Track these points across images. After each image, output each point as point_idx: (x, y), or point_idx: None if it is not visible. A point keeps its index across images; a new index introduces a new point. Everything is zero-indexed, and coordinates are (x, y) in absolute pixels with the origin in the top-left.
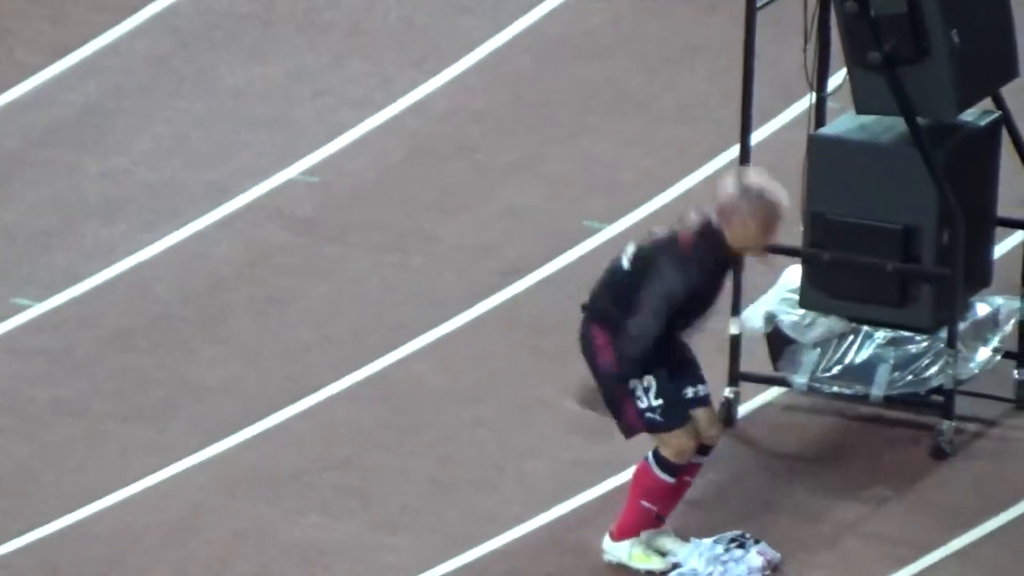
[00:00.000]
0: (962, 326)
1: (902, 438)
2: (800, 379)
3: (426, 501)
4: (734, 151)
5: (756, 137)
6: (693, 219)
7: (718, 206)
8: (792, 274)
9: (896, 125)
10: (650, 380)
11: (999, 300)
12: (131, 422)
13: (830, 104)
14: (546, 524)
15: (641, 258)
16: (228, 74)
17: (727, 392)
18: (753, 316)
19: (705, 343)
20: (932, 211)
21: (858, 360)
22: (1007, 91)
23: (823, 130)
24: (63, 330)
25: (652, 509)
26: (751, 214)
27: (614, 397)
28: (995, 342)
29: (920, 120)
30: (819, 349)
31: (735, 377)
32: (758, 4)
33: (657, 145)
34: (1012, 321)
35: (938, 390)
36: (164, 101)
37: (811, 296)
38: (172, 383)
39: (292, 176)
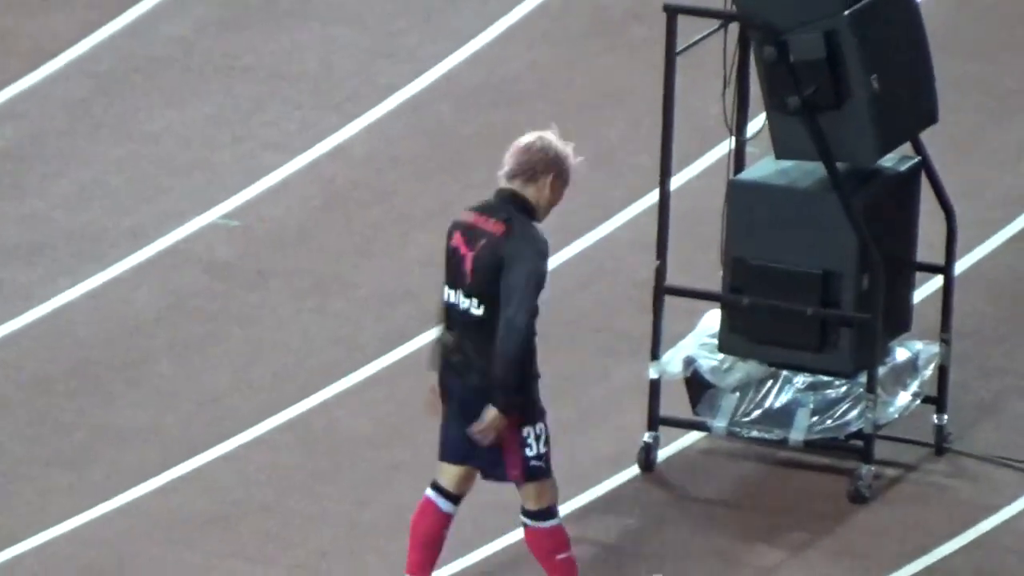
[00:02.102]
0: (882, 371)
1: (821, 483)
2: (719, 423)
3: (345, 546)
4: (653, 196)
5: (675, 182)
6: (499, 201)
7: (527, 174)
8: (711, 319)
9: (816, 170)
10: (542, 428)
11: (919, 345)
12: (50, 466)
13: (749, 149)
14: (464, 568)
15: (481, 270)
16: (147, 119)
17: (646, 436)
18: (672, 360)
19: (624, 387)
20: (852, 256)
21: (777, 404)
22: (926, 135)
23: (742, 175)
24: None
25: (571, 555)
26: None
27: (500, 444)
28: (914, 387)
29: (839, 165)
30: (738, 394)
31: (654, 421)
32: (677, 50)
33: (576, 191)
34: (931, 366)
35: (857, 435)
36: (83, 146)
37: (730, 341)
38: (91, 427)
39: (212, 220)
